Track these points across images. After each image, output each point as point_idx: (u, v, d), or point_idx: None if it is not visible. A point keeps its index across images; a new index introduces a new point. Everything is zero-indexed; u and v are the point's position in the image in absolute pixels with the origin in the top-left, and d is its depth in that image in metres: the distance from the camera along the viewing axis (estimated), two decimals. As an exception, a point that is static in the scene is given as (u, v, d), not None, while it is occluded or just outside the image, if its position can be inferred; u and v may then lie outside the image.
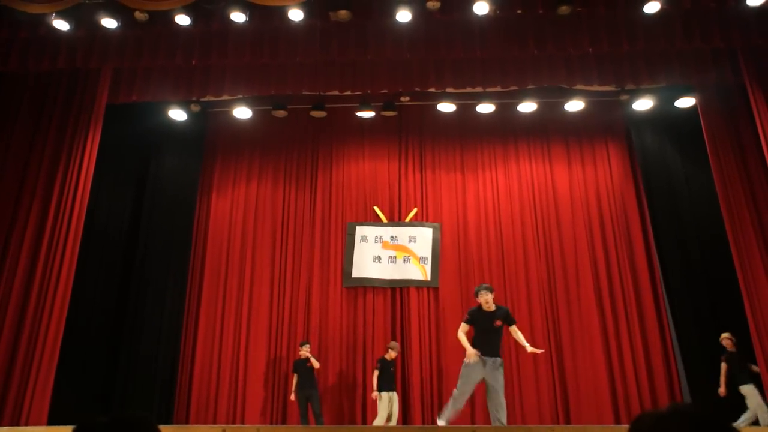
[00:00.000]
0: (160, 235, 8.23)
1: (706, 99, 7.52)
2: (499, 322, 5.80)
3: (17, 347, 6.14)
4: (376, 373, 7.19)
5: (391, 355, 7.31)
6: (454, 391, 5.82)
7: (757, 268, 6.58)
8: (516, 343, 6.18)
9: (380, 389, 7.11)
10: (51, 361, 6.16)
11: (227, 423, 7.60)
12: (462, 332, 5.87)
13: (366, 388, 7.66)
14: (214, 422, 7.65)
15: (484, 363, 5.67)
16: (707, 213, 7.60)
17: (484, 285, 6.06)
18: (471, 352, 5.69)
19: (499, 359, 5.75)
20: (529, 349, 5.88)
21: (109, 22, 6.43)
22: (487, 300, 5.81)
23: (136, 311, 7.86)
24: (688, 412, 0.93)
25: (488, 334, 5.79)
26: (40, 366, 6.09)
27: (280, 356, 7.94)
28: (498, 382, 5.65)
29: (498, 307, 5.89)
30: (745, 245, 6.71)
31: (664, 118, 8.30)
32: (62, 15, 6.40)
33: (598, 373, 7.58)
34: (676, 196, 8.03)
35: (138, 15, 6.32)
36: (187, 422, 7.64)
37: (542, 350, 5.94)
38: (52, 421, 6.07)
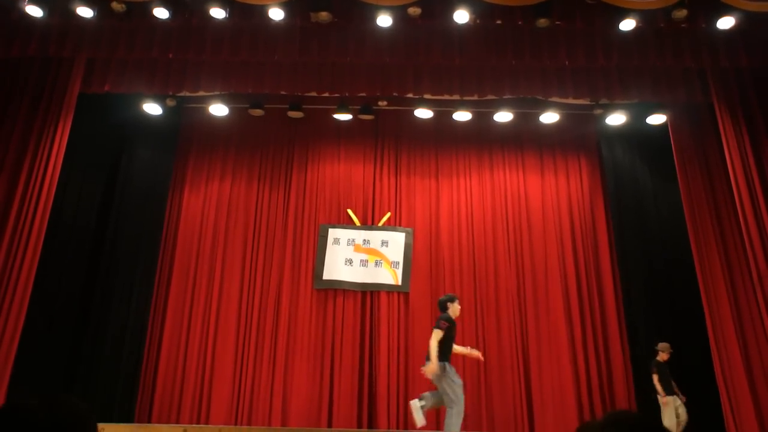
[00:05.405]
0: (130, 230, 8.08)
1: (676, 117, 7.70)
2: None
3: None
4: (655, 377, 6.91)
5: (663, 357, 7.02)
6: (454, 398, 5.65)
7: (718, 284, 6.76)
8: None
9: (668, 392, 6.88)
10: (8, 355, 5.99)
11: (191, 423, 7.48)
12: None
13: (333, 390, 7.62)
14: (177, 422, 7.52)
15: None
16: (673, 228, 7.79)
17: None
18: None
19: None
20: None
21: (84, 11, 6.30)
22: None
23: (102, 306, 7.69)
24: (626, 420, 0.95)
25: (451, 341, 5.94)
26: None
27: (247, 356, 7.85)
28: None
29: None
30: (708, 260, 6.89)
31: (635, 134, 8.48)
32: (36, 1, 6.26)
33: (564, 382, 7.64)
34: (644, 211, 8.19)
35: (115, 5, 6.20)
36: (149, 421, 7.49)
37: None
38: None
